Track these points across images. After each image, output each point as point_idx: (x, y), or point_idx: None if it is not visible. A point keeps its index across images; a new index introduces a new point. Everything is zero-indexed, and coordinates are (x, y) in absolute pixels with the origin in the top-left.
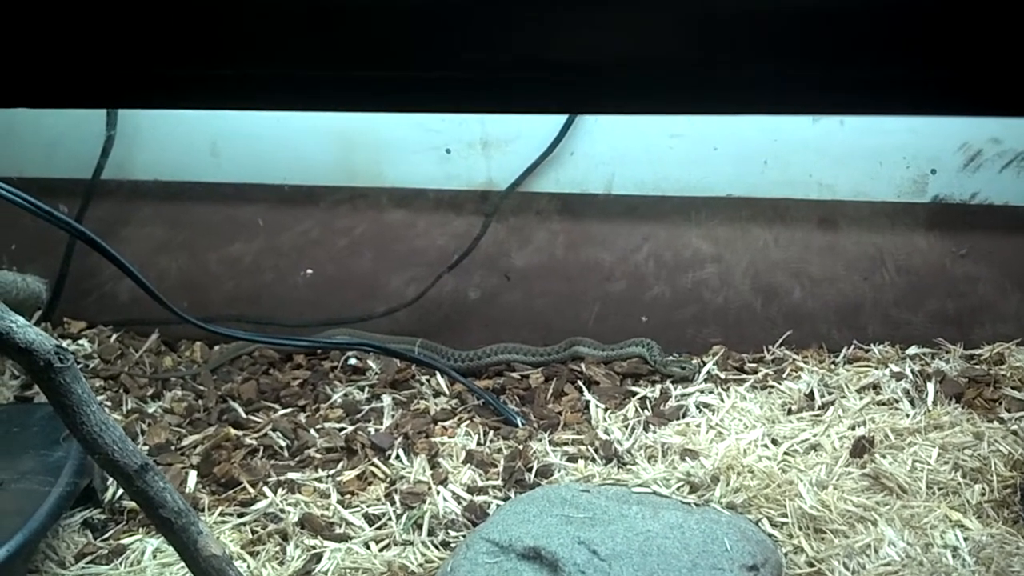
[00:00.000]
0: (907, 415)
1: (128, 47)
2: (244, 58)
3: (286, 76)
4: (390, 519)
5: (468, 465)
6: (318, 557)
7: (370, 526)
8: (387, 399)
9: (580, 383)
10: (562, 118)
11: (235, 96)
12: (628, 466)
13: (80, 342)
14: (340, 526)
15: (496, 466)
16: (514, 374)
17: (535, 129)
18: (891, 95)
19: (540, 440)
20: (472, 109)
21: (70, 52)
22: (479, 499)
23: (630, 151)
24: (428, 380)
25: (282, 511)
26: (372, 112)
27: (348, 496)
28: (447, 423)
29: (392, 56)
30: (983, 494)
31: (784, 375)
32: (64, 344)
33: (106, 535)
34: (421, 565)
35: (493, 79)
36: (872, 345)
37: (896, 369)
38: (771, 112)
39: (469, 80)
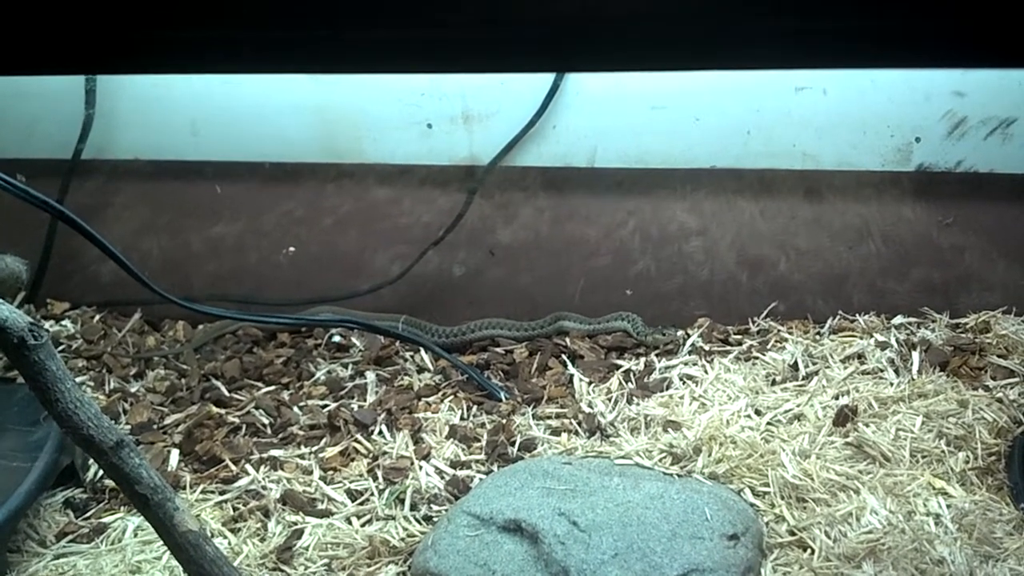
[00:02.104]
0: (891, 384)
1: (107, 11)
2: (225, 20)
3: (270, 39)
4: (372, 494)
5: (451, 440)
6: (299, 533)
7: (352, 502)
8: (371, 376)
9: (564, 357)
10: (543, 91)
11: (216, 59)
12: (611, 438)
13: (63, 323)
14: (322, 502)
15: (479, 440)
16: (498, 349)
17: (516, 103)
18: (885, 46)
19: (524, 414)
20: (461, 69)
21: (46, 18)
22: (462, 473)
23: (612, 124)
24: (412, 356)
25: (264, 488)
26: (358, 73)
27: (331, 472)
28: (430, 399)
29: (377, 16)
30: (967, 462)
31: (768, 346)
32: (40, 322)
33: (87, 514)
34: (403, 539)
35: (481, 38)
36: (857, 315)
37: (881, 339)
38: (767, 67)
39: (457, 40)
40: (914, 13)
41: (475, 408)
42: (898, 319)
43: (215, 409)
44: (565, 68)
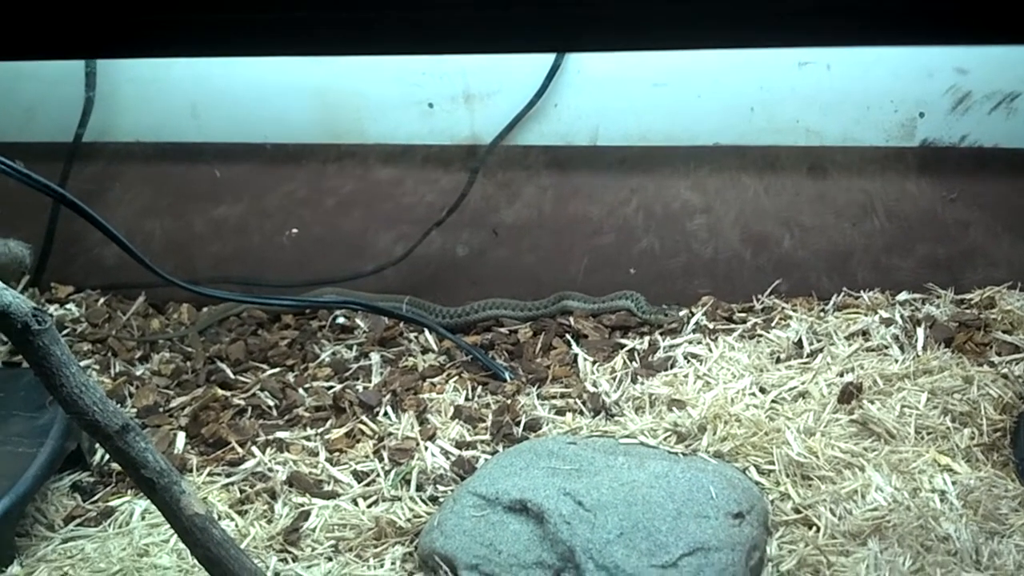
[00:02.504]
0: (896, 361)
1: None
2: (224, 3)
3: (273, 20)
4: (378, 475)
5: (456, 420)
6: (306, 515)
7: (358, 483)
8: (375, 357)
9: (568, 337)
10: (545, 70)
11: (215, 42)
12: (616, 418)
13: (68, 306)
14: (328, 483)
15: (484, 421)
16: (503, 329)
17: (517, 82)
18: (888, 24)
19: (528, 394)
20: (461, 49)
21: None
22: (467, 454)
23: (614, 102)
24: (416, 337)
25: (270, 470)
26: (358, 55)
27: (336, 454)
28: (435, 379)
29: None
30: (972, 438)
31: (773, 324)
32: (45, 307)
33: (94, 497)
34: (409, 520)
35: (482, 18)
36: (862, 292)
37: (886, 315)
38: (767, 45)
39: (456, 20)
40: None
41: (480, 388)
42: (903, 295)
43: (220, 391)
44: (566, 48)
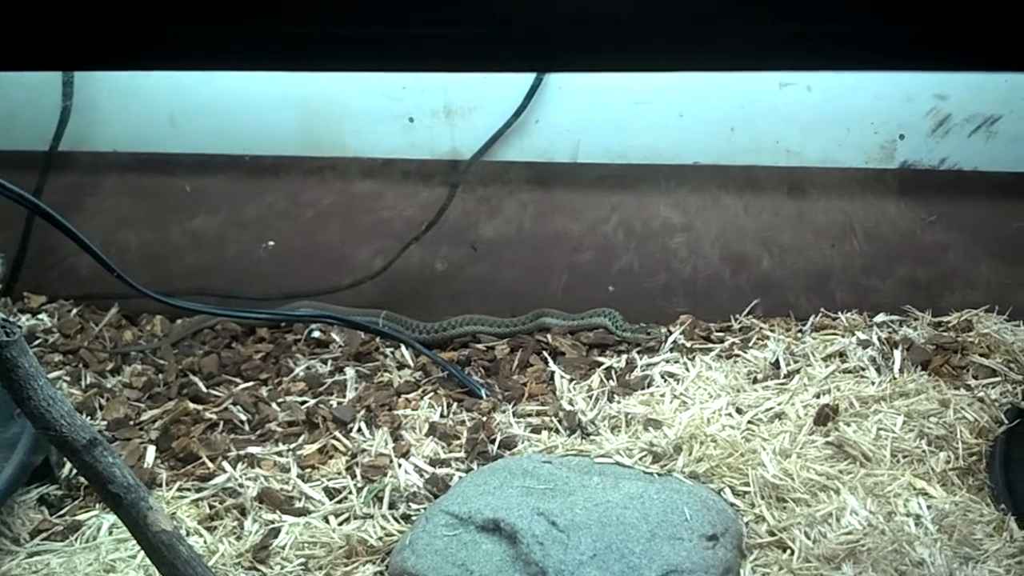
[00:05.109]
0: (873, 383)
1: (85, 6)
2: (207, 15)
3: (250, 34)
4: (350, 493)
5: (431, 437)
6: (276, 532)
7: (330, 500)
8: (350, 372)
9: (546, 354)
10: (526, 85)
11: (195, 55)
12: (591, 437)
13: (40, 316)
14: (299, 500)
15: (459, 438)
16: (480, 346)
17: (498, 97)
18: (871, 49)
19: (504, 411)
20: (440, 68)
21: (24, 14)
22: (441, 471)
23: (595, 119)
24: (392, 352)
25: (241, 486)
26: (336, 71)
27: (308, 470)
28: (410, 395)
29: (360, 12)
30: (948, 462)
31: (750, 344)
32: (17, 317)
33: (62, 511)
34: (380, 539)
35: (461, 36)
36: (840, 313)
37: (863, 337)
38: (751, 69)
39: (437, 38)
40: (896, 16)
41: (455, 405)
42: (880, 317)
43: (192, 405)
44: (548, 69)
